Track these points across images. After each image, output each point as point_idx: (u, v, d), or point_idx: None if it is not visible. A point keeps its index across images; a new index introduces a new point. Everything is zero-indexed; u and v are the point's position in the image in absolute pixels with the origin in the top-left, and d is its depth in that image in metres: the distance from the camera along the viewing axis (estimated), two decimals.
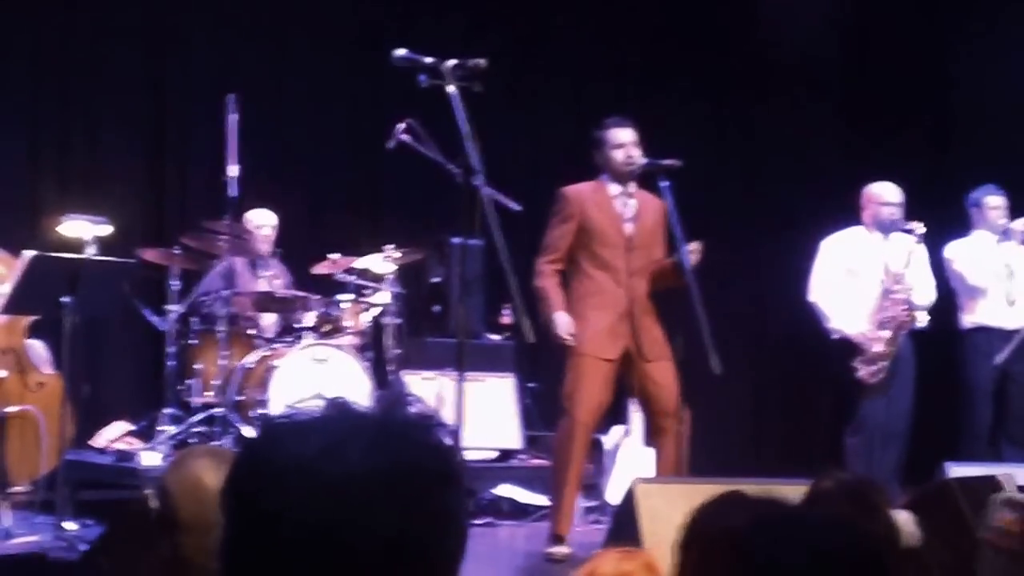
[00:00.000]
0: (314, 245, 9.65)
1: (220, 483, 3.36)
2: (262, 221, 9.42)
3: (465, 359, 5.97)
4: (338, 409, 1.60)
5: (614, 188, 7.24)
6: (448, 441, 1.58)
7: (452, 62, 5.87)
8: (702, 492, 6.45)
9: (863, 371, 8.41)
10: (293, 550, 1.50)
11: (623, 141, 7.20)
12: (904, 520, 3.88)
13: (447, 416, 5.66)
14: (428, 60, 5.90)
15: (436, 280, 9.89)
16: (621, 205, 7.24)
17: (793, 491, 5.66)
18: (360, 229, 10.31)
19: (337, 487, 1.50)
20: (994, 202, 8.88)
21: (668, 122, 9.26)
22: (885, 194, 8.57)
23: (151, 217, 10.00)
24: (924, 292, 8.63)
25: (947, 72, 10.79)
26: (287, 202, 9.75)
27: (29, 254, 7.05)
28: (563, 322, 7.05)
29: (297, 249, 9.67)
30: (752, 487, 2.92)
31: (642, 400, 7.36)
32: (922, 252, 8.54)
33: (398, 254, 9.33)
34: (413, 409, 1.85)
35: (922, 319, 8.49)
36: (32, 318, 7.80)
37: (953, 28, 10.55)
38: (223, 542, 1.59)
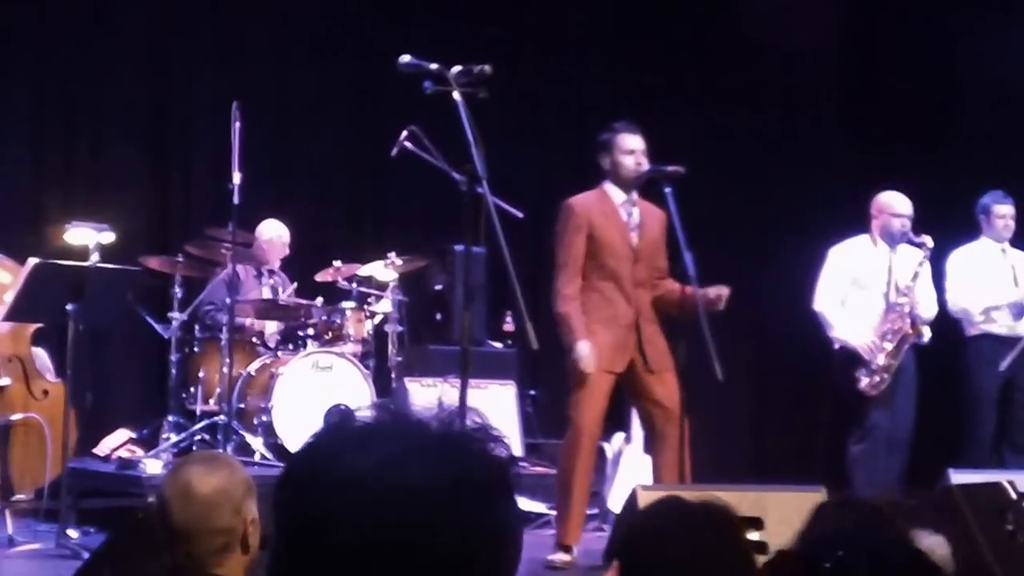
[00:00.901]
0: (317, 252, 9.66)
1: (212, 487, 3.39)
2: (278, 232, 9.44)
3: (460, 364, 5.98)
4: (395, 419, 1.58)
5: (618, 196, 7.22)
6: (504, 453, 1.56)
7: (457, 68, 5.88)
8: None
9: (865, 381, 8.41)
10: (349, 562, 1.49)
11: (633, 148, 7.17)
12: (935, 543, 3.83)
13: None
14: (433, 66, 5.90)
15: (438, 288, 9.90)
16: (626, 214, 7.22)
17: (795, 498, 5.68)
18: (363, 237, 10.32)
19: (397, 499, 1.48)
20: (1001, 211, 8.86)
21: (670, 130, 9.25)
22: (896, 205, 8.52)
23: (155, 225, 10.01)
24: (928, 306, 8.62)
25: (952, 77, 10.78)
26: (290, 210, 9.76)
27: (33, 261, 7.06)
28: (585, 353, 6.97)
29: (300, 256, 9.69)
30: (691, 492, 2.92)
31: (644, 409, 7.35)
32: (928, 266, 8.53)
33: (400, 262, 9.35)
34: (470, 420, 1.84)
35: (926, 333, 8.47)
36: (36, 326, 7.80)
37: (957, 33, 10.54)
38: (273, 551, 1.57)
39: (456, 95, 5.82)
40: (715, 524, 2.73)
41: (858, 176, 10.06)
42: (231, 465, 3.48)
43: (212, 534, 3.33)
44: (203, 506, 3.33)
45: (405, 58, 5.95)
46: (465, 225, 5.99)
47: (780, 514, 5.26)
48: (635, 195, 7.26)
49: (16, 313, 7.24)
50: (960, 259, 8.91)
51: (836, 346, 8.57)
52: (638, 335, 7.13)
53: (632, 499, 6.21)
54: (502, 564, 1.56)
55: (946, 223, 8.89)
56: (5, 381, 7.54)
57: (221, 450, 8.23)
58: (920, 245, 8.40)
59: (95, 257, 7.31)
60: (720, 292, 7.06)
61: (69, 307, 6.98)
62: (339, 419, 1.59)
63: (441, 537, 1.49)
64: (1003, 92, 10.28)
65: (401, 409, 1.60)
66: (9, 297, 7.21)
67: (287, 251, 9.55)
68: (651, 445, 7.51)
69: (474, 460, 1.55)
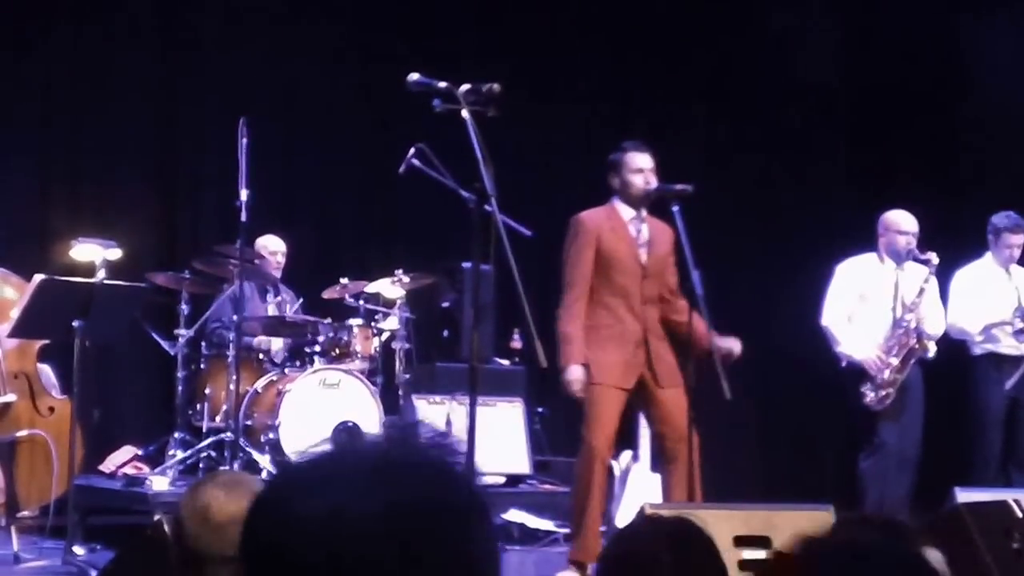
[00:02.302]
0: (324, 269, 9.66)
1: (230, 514, 3.36)
2: (274, 247, 9.44)
3: (469, 383, 5.98)
4: (346, 454, 1.58)
5: (627, 212, 7.22)
6: (467, 473, 1.55)
7: (466, 86, 5.86)
8: (713, 518, 6.41)
9: (870, 396, 8.42)
10: None
11: (643, 166, 7.17)
12: (935, 559, 3.83)
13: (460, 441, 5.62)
14: (442, 85, 5.89)
15: (446, 305, 9.89)
16: (635, 230, 7.22)
17: (803, 517, 5.67)
18: (370, 254, 10.32)
19: (351, 542, 1.48)
20: (1011, 240, 8.83)
21: (677, 148, 9.25)
22: (902, 222, 8.56)
23: (161, 241, 10.00)
24: (934, 322, 8.63)
25: (955, 99, 10.78)
26: (298, 226, 9.76)
27: (39, 278, 7.05)
28: (576, 376, 6.97)
29: (308, 273, 9.68)
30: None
31: (653, 427, 7.36)
32: (934, 282, 8.54)
33: (408, 279, 9.34)
34: (427, 441, 1.81)
35: (931, 349, 8.49)
36: (43, 342, 7.79)
37: (960, 51, 10.55)
38: None
39: (465, 113, 5.81)
40: (690, 540, 2.75)
41: (865, 195, 10.07)
42: (254, 492, 3.44)
43: (226, 561, 3.30)
44: (219, 532, 3.30)
45: (414, 76, 5.94)
46: (474, 243, 5.98)
47: (789, 533, 5.24)
48: (644, 212, 7.25)
49: (22, 329, 7.22)
50: (964, 280, 8.90)
51: (843, 363, 8.58)
52: (647, 351, 7.13)
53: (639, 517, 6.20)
54: None
55: (951, 242, 8.88)
56: (11, 398, 7.53)
57: (228, 467, 8.22)
58: (926, 262, 8.42)
59: (102, 274, 7.31)
60: (732, 347, 7.04)
61: (75, 324, 6.97)
62: (295, 460, 1.59)
63: (404, 569, 1.47)
64: (1005, 112, 10.26)
65: (356, 439, 1.60)
66: (16, 313, 7.21)
67: (283, 261, 9.52)
68: (660, 463, 7.50)
69: (426, 492, 1.52)
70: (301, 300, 9.53)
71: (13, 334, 7.27)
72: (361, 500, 1.49)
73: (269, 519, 1.53)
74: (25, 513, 7.57)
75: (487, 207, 5.84)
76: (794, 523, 5.65)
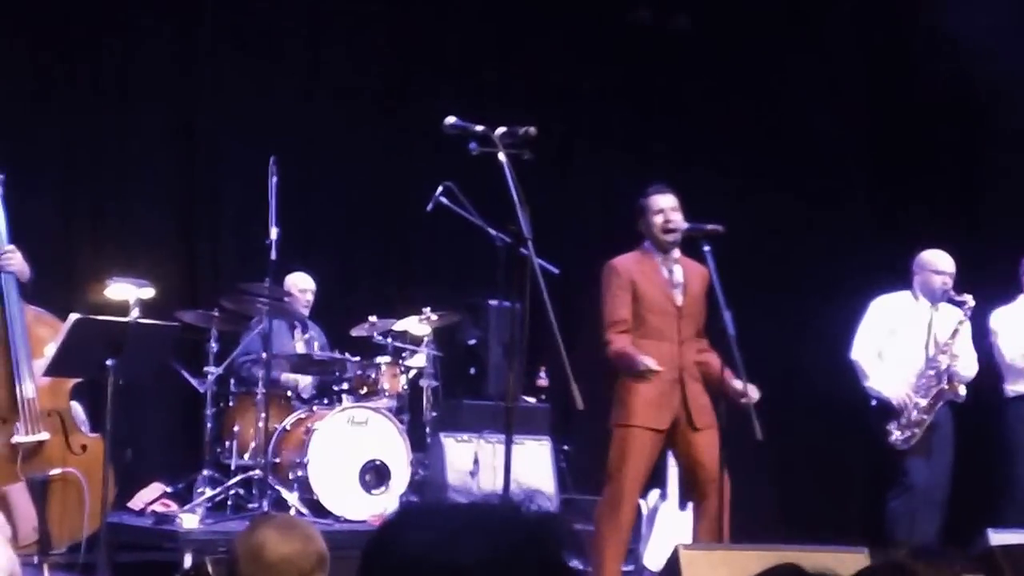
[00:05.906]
0: (352, 307, 9.68)
1: (283, 554, 3.39)
2: (304, 285, 9.48)
3: (505, 423, 5.99)
4: (456, 504, 1.70)
5: (658, 255, 7.26)
6: (570, 538, 1.69)
7: (502, 129, 5.89)
8: (746, 559, 6.40)
9: (896, 435, 8.38)
10: None
11: (662, 207, 7.21)
12: None
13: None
14: (479, 128, 5.91)
15: (472, 342, 9.91)
16: (667, 272, 7.25)
17: (837, 559, 5.67)
18: (397, 291, 10.34)
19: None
20: None
21: (704, 188, 9.26)
22: (938, 262, 8.52)
23: (185, 279, 10.00)
24: (967, 364, 8.56)
25: (982, 134, 10.78)
26: (325, 264, 9.79)
27: (74, 317, 7.07)
28: (650, 360, 6.95)
29: (335, 311, 9.71)
30: (807, 560, 2.91)
31: (684, 466, 7.36)
32: (968, 324, 8.50)
33: (435, 317, 9.37)
34: (536, 506, 1.95)
35: (962, 392, 8.44)
36: (75, 380, 7.80)
37: (986, 90, 10.56)
38: None
39: (502, 156, 5.83)
40: None
41: (893, 234, 10.08)
42: (308, 536, 3.47)
43: None
44: (271, 571, 3.33)
45: (451, 119, 5.96)
46: (502, 281, 6.00)
47: None
48: (676, 253, 7.28)
49: (56, 368, 7.23)
50: (1005, 318, 8.76)
51: (872, 403, 8.55)
52: (683, 392, 7.14)
53: (674, 558, 6.20)
54: None
55: (981, 282, 8.86)
56: (44, 436, 7.52)
57: (257, 505, 8.24)
58: (961, 304, 8.38)
59: (136, 313, 7.34)
60: (749, 392, 7.03)
61: (109, 362, 6.98)
62: (418, 499, 1.73)
63: None
64: None
65: (473, 494, 1.70)
66: (50, 351, 7.23)
67: (312, 299, 9.56)
68: (692, 502, 7.50)
69: (523, 544, 1.63)
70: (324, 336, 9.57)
71: (48, 372, 7.28)
72: (467, 545, 1.60)
73: (381, 557, 1.66)
74: (56, 551, 7.56)
75: (523, 250, 5.85)
76: (828, 565, 5.64)
